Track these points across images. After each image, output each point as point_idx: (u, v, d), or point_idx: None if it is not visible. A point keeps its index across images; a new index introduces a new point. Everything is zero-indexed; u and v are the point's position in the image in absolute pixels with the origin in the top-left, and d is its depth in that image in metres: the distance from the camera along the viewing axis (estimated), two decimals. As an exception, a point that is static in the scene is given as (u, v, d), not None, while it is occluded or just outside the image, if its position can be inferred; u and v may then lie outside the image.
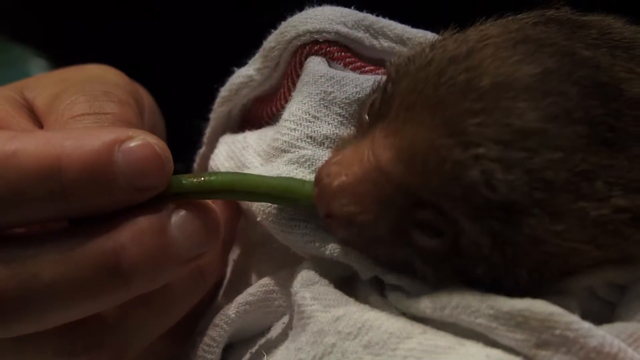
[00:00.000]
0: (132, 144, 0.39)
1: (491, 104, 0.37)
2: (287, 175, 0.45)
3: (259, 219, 0.45)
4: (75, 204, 0.39)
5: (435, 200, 0.38)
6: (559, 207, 0.37)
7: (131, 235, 0.39)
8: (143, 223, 0.39)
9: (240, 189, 0.43)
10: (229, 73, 0.53)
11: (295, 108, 0.46)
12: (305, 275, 0.42)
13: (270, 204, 0.44)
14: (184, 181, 0.42)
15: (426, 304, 0.39)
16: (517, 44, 0.39)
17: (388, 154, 0.39)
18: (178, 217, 0.40)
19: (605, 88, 0.38)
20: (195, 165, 0.57)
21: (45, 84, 0.49)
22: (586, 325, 0.36)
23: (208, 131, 0.55)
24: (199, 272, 0.46)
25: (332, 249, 0.43)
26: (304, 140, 0.46)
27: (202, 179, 0.42)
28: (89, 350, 0.42)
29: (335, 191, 0.40)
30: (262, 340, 0.46)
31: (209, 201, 0.44)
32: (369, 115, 0.42)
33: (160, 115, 0.60)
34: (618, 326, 0.37)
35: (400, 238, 0.40)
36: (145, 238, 0.39)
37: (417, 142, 0.38)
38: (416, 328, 0.38)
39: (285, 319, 0.46)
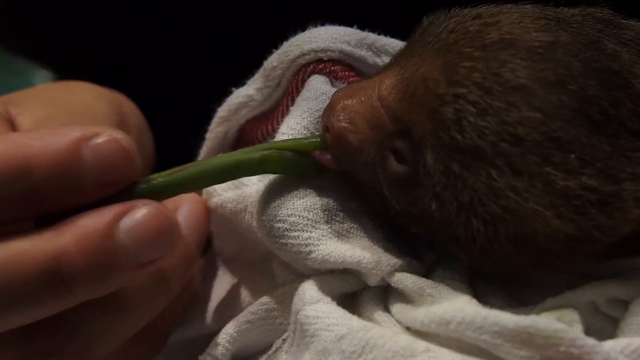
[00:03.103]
0: (99, 140, 0.40)
1: (489, 55, 0.39)
2: None
3: (259, 235, 0.45)
4: (45, 203, 0.39)
5: (411, 129, 0.40)
6: (525, 166, 0.37)
7: (74, 240, 0.39)
8: (88, 227, 0.39)
9: (205, 163, 0.44)
10: (226, 93, 0.53)
11: (294, 122, 0.47)
12: (307, 293, 0.42)
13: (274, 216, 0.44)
14: (151, 176, 0.43)
15: (431, 319, 0.39)
16: (543, 18, 0.41)
17: (389, 81, 0.42)
18: (128, 221, 0.40)
19: (614, 76, 0.39)
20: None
21: (32, 102, 0.49)
22: (590, 341, 0.36)
23: (204, 151, 0.55)
24: (160, 278, 0.45)
25: (336, 257, 0.42)
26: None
27: (171, 169, 0.43)
28: (49, 357, 0.41)
29: (337, 108, 0.43)
30: (264, 358, 0.45)
31: (169, 206, 0.44)
32: (395, 55, 0.45)
33: (149, 133, 0.60)
34: (622, 342, 0.37)
35: (379, 163, 0.42)
36: (89, 242, 0.39)
37: (416, 75, 0.40)
38: (420, 346, 0.38)
39: (286, 336, 0.45)
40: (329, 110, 0.44)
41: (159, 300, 0.45)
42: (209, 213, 0.50)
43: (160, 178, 0.43)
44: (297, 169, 0.45)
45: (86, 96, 0.53)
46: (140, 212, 0.40)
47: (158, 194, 0.42)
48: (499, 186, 0.38)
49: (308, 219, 0.44)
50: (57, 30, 0.69)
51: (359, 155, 0.43)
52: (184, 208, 0.49)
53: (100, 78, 0.56)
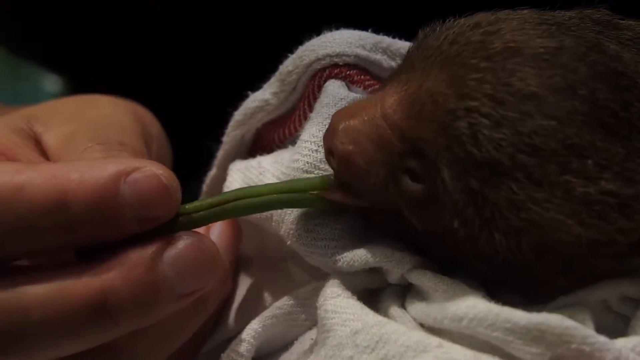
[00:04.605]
0: (138, 175, 0.40)
1: (496, 65, 0.39)
2: None
3: (288, 242, 0.46)
4: (83, 236, 0.40)
5: (424, 147, 0.39)
6: (544, 176, 0.37)
7: (119, 273, 0.39)
8: (132, 260, 0.39)
9: (248, 196, 0.44)
10: (242, 96, 0.54)
11: (316, 129, 0.47)
12: (330, 289, 0.43)
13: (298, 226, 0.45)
14: (186, 206, 0.43)
15: (444, 315, 0.39)
16: (543, 23, 0.41)
17: (393, 99, 0.41)
18: (171, 253, 0.40)
19: (621, 77, 0.39)
20: (204, 187, 0.57)
21: (56, 119, 0.50)
22: (602, 339, 0.37)
23: (220, 154, 0.55)
24: (199, 300, 0.45)
25: (360, 260, 0.43)
26: (327, 162, 0.46)
27: (209, 199, 0.44)
28: None
29: (340, 129, 0.42)
30: (285, 354, 0.46)
31: (208, 234, 0.44)
32: (393, 71, 0.44)
33: (168, 143, 0.61)
34: (633, 340, 0.38)
35: (390, 184, 0.42)
36: (134, 275, 0.39)
37: (421, 91, 0.40)
38: (433, 341, 0.39)
39: (312, 333, 0.46)
40: (331, 132, 0.43)
41: (197, 320, 0.46)
42: (241, 230, 0.51)
43: (201, 211, 0.43)
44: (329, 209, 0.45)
45: (109, 108, 0.53)
46: (182, 244, 0.40)
47: (197, 224, 0.43)
48: (520, 198, 0.37)
49: (333, 228, 0.45)
50: (68, 36, 0.70)
51: (368, 177, 0.42)
52: (217, 227, 0.49)
53: (113, 82, 0.56)
